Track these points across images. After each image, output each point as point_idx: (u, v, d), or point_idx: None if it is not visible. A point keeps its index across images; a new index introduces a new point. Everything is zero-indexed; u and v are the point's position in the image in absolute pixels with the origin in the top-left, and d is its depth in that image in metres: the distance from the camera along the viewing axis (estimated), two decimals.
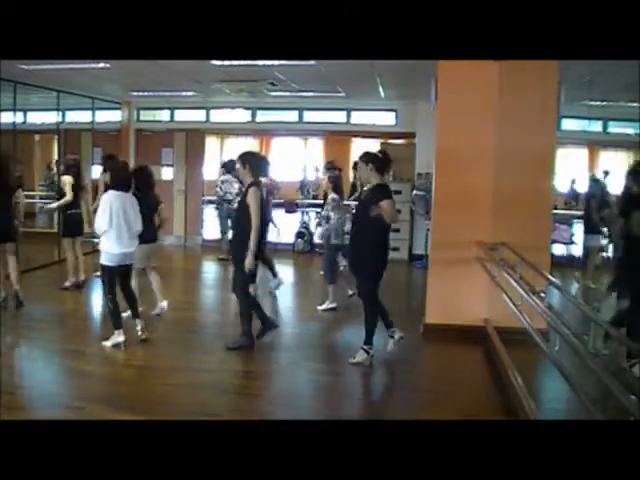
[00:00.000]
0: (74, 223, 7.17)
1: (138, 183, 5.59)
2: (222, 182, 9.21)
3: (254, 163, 5.18)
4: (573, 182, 12.03)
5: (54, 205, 7.32)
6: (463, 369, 4.95)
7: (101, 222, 5.01)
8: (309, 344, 5.55)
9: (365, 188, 4.93)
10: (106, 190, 6.61)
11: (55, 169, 10.81)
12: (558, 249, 9.21)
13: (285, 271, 8.59)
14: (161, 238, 10.37)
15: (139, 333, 5.27)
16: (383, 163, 4.92)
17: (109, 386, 4.39)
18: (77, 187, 7.13)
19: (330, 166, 9.20)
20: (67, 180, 7.08)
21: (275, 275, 7.42)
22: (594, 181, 8.48)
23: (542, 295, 3.52)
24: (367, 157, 4.86)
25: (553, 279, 4.20)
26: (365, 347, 4.85)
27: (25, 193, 10.59)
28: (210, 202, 11.38)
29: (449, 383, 4.59)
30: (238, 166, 5.20)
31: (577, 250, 9.14)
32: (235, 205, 6.93)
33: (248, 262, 4.92)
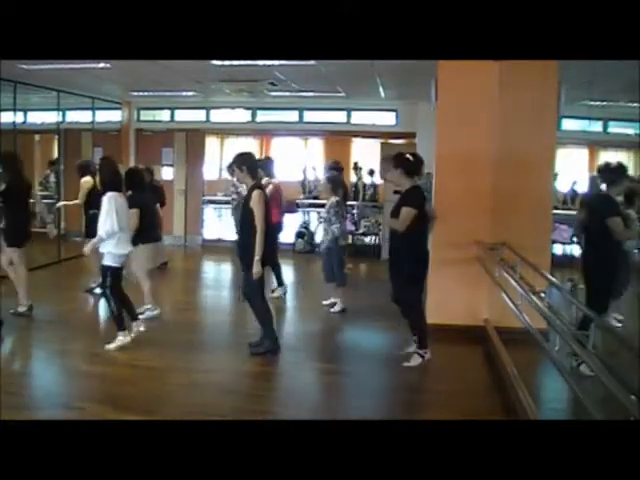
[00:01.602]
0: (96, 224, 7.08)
1: (130, 184, 5.63)
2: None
3: (251, 164, 5.03)
4: (574, 183, 12.04)
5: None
6: (463, 369, 4.94)
7: (110, 225, 4.92)
8: (311, 344, 5.55)
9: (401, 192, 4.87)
10: (89, 194, 6.60)
11: (48, 170, 10.81)
12: (558, 249, 9.20)
13: (285, 271, 8.56)
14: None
15: (139, 330, 5.28)
16: (413, 166, 4.80)
17: (111, 386, 4.39)
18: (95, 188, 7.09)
19: (334, 166, 9.02)
20: (85, 182, 6.93)
21: (281, 283, 7.16)
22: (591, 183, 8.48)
23: (542, 295, 3.52)
24: (396, 161, 4.78)
25: (553, 279, 4.20)
26: (420, 351, 4.87)
27: None
28: (211, 202, 11.38)
29: (449, 383, 4.58)
30: (235, 169, 5.04)
31: (577, 250, 9.13)
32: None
33: (256, 269, 4.79)
